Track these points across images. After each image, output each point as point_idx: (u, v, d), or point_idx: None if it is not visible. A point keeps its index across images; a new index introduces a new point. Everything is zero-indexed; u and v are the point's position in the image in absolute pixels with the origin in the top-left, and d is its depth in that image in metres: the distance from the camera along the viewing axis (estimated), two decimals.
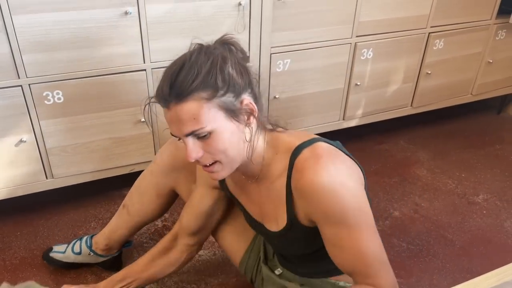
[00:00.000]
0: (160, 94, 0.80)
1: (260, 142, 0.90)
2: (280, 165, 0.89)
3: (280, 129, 0.94)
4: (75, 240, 1.38)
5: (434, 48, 1.99)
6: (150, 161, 1.62)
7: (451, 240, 1.59)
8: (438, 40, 1.98)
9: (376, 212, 1.71)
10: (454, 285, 0.72)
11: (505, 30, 2.15)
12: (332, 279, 1.04)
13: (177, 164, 1.20)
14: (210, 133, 0.80)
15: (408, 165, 2.02)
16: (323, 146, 0.86)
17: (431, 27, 1.93)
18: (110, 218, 1.36)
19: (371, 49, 1.83)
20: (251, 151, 0.88)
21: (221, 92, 0.79)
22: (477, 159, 2.08)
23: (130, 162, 1.60)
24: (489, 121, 2.44)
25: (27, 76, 1.32)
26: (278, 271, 1.14)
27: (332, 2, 1.66)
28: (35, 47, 1.30)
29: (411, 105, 2.12)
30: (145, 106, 0.90)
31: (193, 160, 0.82)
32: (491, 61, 2.20)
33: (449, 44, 2.02)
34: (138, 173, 1.65)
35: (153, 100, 0.85)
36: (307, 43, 1.70)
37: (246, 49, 1.58)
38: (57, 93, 1.38)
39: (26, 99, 1.35)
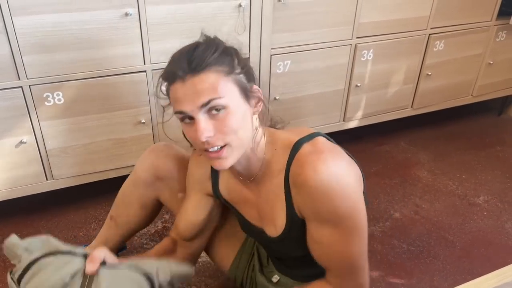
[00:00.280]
0: (174, 68, 0.79)
1: (261, 137, 0.90)
2: (280, 161, 0.88)
3: (279, 126, 0.94)
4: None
5: (435, 49, 1.99)
6: None
7: (451, 241, 1.58)
8: (438, 42, 1.98)
9: (377, 213, 1.71)
10: (455, 286, 0.72)
11: (505, 32, 2.15)
12: None
13: (159, 174, 1.16)
14: (224, 108, 0.78)
15: (408, 166, 2.02)
16: (324, 142, 0.86)
17: (431, 28, 1.94)
18: None
19: (371, 50, 1.83)
20: (255, 143, 0.87)
21: (237, 71, 0.81)
22: (478, 160, 2.08)
23: (130, 163, 1.60)
24: (490, 122, 2.44)
25: (28, 77, 1.33)
26: (275, 278, 1.12)
27: (332, 4, 1.66)
28: (36, 48, 1.30)
29: (412, 107, 2.12)
30: (157, 85, 0.87)
31: (204, 139, 0.79)
32: (491, 62, 2.20)
33: (449, 46, 2.02)
34: None
35: (161, 79, 0.84)
36: (307, 44, 1.70)
37: (246, 50, 1.58)
38: (58, 94, 1.38)
39: (27, 100, 1.35)
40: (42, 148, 1.44)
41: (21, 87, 1.33)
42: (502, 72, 2.29)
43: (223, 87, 0.78)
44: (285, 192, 0.88)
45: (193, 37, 1.47)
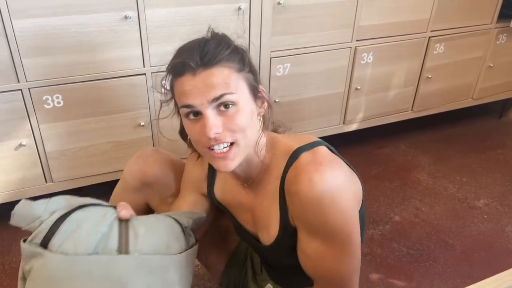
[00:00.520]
0: (185, 60, 0.76)
1: (262, 141, 0.88)
2: (278, 167, 0.86)
3: (280, 130, 0.92)
4: None
5: (435, 52, 1.99)
6: None
7: (451, 245, 1.58)
8: (438, 44, 1.98)
9: (377, 216, 1.71)
10: None
11: (505, 35, 2.15)
12: None
13: (147, 180, 1.11)
14: (234, 104, 0.77)
15: (408, 169, 2.02)
16: (324, 152, 0.83)
17: (432, 31, 1.93)
18: None
19: (371, 53, 1.83)
20: (258, 146, 0.86)
21: (247, 69, 0.81)
22: (478, 163, 2.07)
23: None
24: (490, 125, 2.43)
25: (27, 80, 1.33)
26: (268, 287, 1.10)
27: (332, 7, 1.66)
28: (35, 51, 1.30)
29: (412, 109, 2.12)
30: (162, 79, 0.85)
31: (213, 136, 0.76)
32: (491, 65, 2.20)
33: (449, 48, 2.02)
34: None
35: (165, 72, 0.82)
36: (307, 47, 1.70)
37: (248, 51, 1.58)
38: (57, 97, 1.38)
39: (26, 103, 1.35)
40: (41, 151, 1.44)
41: (21, 90, 1.33)
42: (503, 74, 2.29)
43: (235, 83, 0.77)
44: (279, 199, 0.86)
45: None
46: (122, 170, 1.58)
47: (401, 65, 1.94)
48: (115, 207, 0.80)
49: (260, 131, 0.85)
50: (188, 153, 1.06)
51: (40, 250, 0.72)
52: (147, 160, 1.11)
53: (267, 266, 1.10)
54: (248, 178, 0.92)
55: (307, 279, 0.91)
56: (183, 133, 0.92)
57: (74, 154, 1.49)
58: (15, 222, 0.76)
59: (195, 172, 1.04)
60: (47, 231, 0.73)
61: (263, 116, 0.86)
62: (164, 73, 0.83)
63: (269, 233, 0.91)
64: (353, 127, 2.00)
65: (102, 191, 1.71)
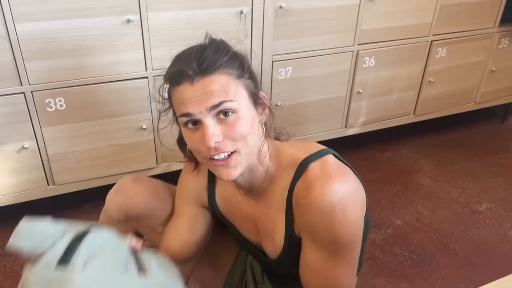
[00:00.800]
0: (182, 69, 0.74)
1: (265, 149, 0.85)
2: (284, 178, 0.84)
3: (283, 138, 0.89)
4: None
5: (437, 56, 1.99)
6: (152, 168, 1.64)
7: (454, 249, 1.57)
8: (440, 48, 1.98)
9: (378, 220, 1.70)
10: None
11: (508, 39, 2.15)
12: None
13: (132, 214, 1.05)
14: (234, 112, 0.74)
15: (410, 173, 2.01)
16: (332, 162, 0.81)
17: (434, 35, 1.93)
18: None
19: (373, 57, 1.83)
20: (261, 154, 0.83)
21: (246, 75, 0.78)
22: (481, 167, 2.07)
23: (131, 169, 1.60)
24: (493, 129, 2.43)
25: (30, 83, 1.33)
26: None
27: (334, 11, 1.66)
28: (38, 55, 1.31)
29: (414, 113, 2.11)
30: (159, 88, 0.83)
31: (212, 145, 0.73)
32: (494, 69, 2.19)
33: (452, 52, 2.02)
34: None
35: (164, 81, 0.79)
36: (309, 51, 1.70)
37: (247, 56, 1.58)
38: (59, 100, 1.39)
39: (29, 106, 1.36)
40: (43, 154, 1.45)
41: (23, 93, 1.34)
42: (505, 78, 2.28)
43: (234, 90, 0.75)
44: (286, 212, 0.84)
45: (195, 43, 1.47)
46: (123, 174, 1.60)
47: (403, 69, 1.94)
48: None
49: (262, 138, 0.83)
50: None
51: (64, 273, 0.63)
52: (128, 193, 1.04)
53: (269, 275, 1.08)
54: (251, 188, 0.89)
55: None
56: (181, 142, 0.90)
57: (76, 157, 1.49)
58: (17, 243, 0.67)
59: (192, 184, 0.98)
60: (63, 251, 0.66)
61: (265, 123, 0.84)
62: (162, 82, 0.81)
63: (274, 243, 0.89)
64: (355, 131, 2.00)
65: (103, 194, 1.72)
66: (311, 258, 0.81)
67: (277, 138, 0.89)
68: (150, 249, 1.25)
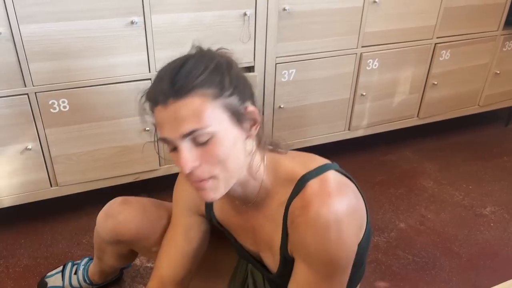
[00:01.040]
0: (157, 89, 0.71)
1: (259, 162, 0.81)
2: (281, 193, 0.80)
3: (281, 150, 0.84)
4: (69, 272, 1.33)
5: (441, 58, 1.98)
6: (155, 170, 1.64)
7: (457, 253, 1.56)
8: (444, 51, 1.97)
9: (382, 223, 1.70)
10: None
11: None
12: None
13: (123, 239, 1.04)
14: (211, 137, 0.70)
15: (414, 176, 2.00)
16: (332, 179, 0.77)
17: (437, 37, 1.93)
18: None
19: (376, 59, 1.83)
20: (253, 169, 0.79)
21: (228, 92, 0.71)
22: (485, 171, 2.06)
23: (134, 170, 1.60)
24: (497, 132, 2.42)
25: (34, 85, 1.34)
26: None
27: (337, 13, 1.66)
28: (42, 56, 1.31)
29: (418, 116, 2.11)
30: (140, 100, 0.78)
31: (188, 171, 0.71)
32: (498, 72, 2.18)
33: (455, 55, 2.01)
34: (142, 182, 1.66)
35: (143, 99, 0.75)
36: (313, 53, 1.70)
37: (251, 58, 1.59)
38: (63, 102, 1.39)
39: (32, 107, 1.36)
40: (47, 155, 1.45)
41: (27, 94, 1.34)
42: (509, 81, 2.27)
43: (209, 114, 0.69)
44: (282, 228, 0.81)
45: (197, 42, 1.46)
46: (127, 175, 1.60)
47: (406, 71, 1.94)
48: None
49: (253, 151, 0.79)
50: None
51: None
52: (117, 219, 1.02)
53: (271, 282, 1.04)
54: (246, 200, 0.85)
55: None
56: None
57: (79, 158, 1.50)
58: None
59: (189, 193, 0.95)
60: None
61: (257, 136, 0.79)
62: (144, 99, 0.77)
63: (273, 257, 0.87)
64: (358, 133, 1.99)
65: (106, 196, 1.72)
66: (302, 280, 0.78)
67: (274, 151, 0.84)
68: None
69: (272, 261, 0.88)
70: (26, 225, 1.62)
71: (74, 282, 1.32)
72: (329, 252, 0.74)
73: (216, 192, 0.75)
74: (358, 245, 0.81)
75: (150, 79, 1.47)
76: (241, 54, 1.56)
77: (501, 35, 2.09)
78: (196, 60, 0.72)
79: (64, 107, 1.40)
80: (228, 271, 1.11)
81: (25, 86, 1.33)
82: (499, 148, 2.25)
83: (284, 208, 0.80)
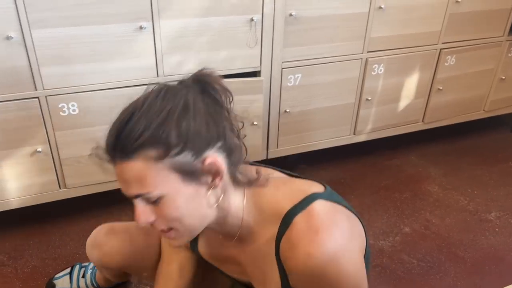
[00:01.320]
0: (106, 146, 0.68)
1: (237, 201, 0.76)
2: (268, 229, 0.75)
3: (262, 182, 0.76)
4: (76, 275, 1.34)
5: (446, 64, 1.99)
6: None
7: (462, 257, 1.57)
8: (449, 56, 1.98)
9: (387, 227, 1.70)
10: None
11: None
12: None
13: (112, 267, 1.04)
14: (161, 197, 0.67)
15: (419, 181, 2.01)
16: (320, 211, 0.72)
17: (443, 43, 1.94)
18: None
19: (382, 64, 1.84)
20: (225, 211, 0.75)
21: (175, 150, 0.64)
22: (490, 176, 2.06)
23: None
24: (502, 138, 2.41)
25: (44, 88, 1.36)
26: None
27: (343, 19, 1.67)
28: (52, 60, 1.33)
29: (423, 121, 2.11)
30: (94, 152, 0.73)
31: (143, 225, 0.70)
32: (503, 77, 2.19)
33: (461, 60, 2.02)
34: None
35: (99, 150, 0.71)
36: (318, 58, 1.71)
37: (257, 63, 1.60)
38: (72, 105, 1.41)
39: (42, 111, 1.38)
40: (56, 157, 1.47)
41: (38, 97, 1.36)
42: None
43: (153, 177, 0.65)
44: (278, 265, 0.76)
45: (206, 50, 1.49)
46: None
47: (412, 76, 1.95)
48: None
49: (213, 206, 0.72)
50: None
51: None
52: (102, 250, 1.01)
53: None
54: (229, 236, 0.81)
55: None
56: None
57: (88, 161, 1.52)
58: None
59: None
60: None
61: (231, 177, 0.73)
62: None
63: None
64: (363, 137, 2.00)
65: (113, 198, 1.73)
66: None
67: (254, 185, 0.76)
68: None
69: None
70: (35, 226, 1.64)
71: (82, 285, 1.33)
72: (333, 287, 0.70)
73: (180, 240, 0.74)
74: None
75: (158, 83, 1.48)
76: (248, 59, 1.58)
77: (506, 40, 2.10)
78: (141, 114, 0.65)
79: (74, 110, 1.42)
80: None
81: (36, 89, 1.35)
82: (504, 154, 2.25)
83: (274, 245, 0.75)
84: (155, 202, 0.68)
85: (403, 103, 2.00)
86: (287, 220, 0.72)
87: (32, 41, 1.29)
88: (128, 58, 1.42)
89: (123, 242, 1.01)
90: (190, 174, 0.66)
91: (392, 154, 2.20)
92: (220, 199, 0.72)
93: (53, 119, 1.41)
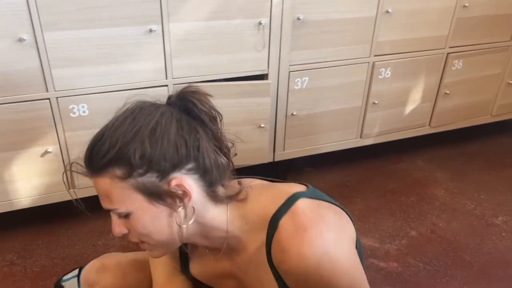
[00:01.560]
0: (83, 160, 0.71)
1: (220, 215, 0.75)
2: (256, 238, 0.75)
3: (242, 194, 0.76)
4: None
5: (453, 68, 1.99)
6: None
7: (469, 261, 1.56)
8: (457, 61, 1.98)
9: (393, 231, 1.70)
10: None
11: None
12: None
13: None
14: (128, 214, 0.70)
15: (426, 184, 2.01)
16: (304, 209, 0.72)
17: (450, 47, 1.94)
18: None
19: (389, 68, 1.85)
20: (206, 227, 0.75)
21: (140, 170, 0.66)
22: (497, 180, 2.05)
23: None
24: (510, 142, 2.41)
25: (55, 90, 1.38)
26: None
27: (350, 23, 1.68)
28: (64, 62, 1.35)
29: (429, 125, 2.11)
30: (65, 171, 0.78)
31: (117, 236, 0.74)
32: (511, 82, 2.18)
33: (468, 65, 2.02)
34: None
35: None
36: (326, 61, 1.72)
37: (265, 66, 1.61)
38: (82, 106, 1.43)
39: (53, 112, 1.41)
40: (66, 158, 1.49)
41: (49, 99, 1.39)
42: None
43: (118, 195, 0.68)
44: (272, 270, 0.75)
45: (214, 53, 1.50)
46: None
47: (419, 80, 1.95)
48: None
49: (184, 225, 0.72)
50: None
51: None
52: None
53: None
54: (217, 250, 0.81)
55: None
56: None
57: None
58: None
59: (166, 258, 0.93)
60: None
61: (208, 194, 0.73)
62: None
63: None
64: (370, 141, 2.01)
65: None
66: None
67: (234, 199, 0.76)
68: None
69: None
70: (44, 226, 1.66)
71: None
72: (331, 284, 0.70)
73: (155, 252, 0.76)
74: None
75: (167, 85, 1.50)
76: (255, 62, 1.59)
77: None
78: (111, 133, 0.68)
79: (84, 111, 1.44)
80: None
81: (47, 91, 1.37)
82: (511, 158, 2.25)
83: (265, 251, 0.74)
84: (126, 216, 0.71)
85: (410, 107, 2.00)
86: (273, 223, 0.72)
87: (44, 43, 1.31)
88: (137, 60, 1.43)
89: (115, 279, 1.00)
90: (155, 195, 0.68)
91: (399, 158, 2.21)
92: (193, 218, 0.72)
93: (64, 120, 1.43)
